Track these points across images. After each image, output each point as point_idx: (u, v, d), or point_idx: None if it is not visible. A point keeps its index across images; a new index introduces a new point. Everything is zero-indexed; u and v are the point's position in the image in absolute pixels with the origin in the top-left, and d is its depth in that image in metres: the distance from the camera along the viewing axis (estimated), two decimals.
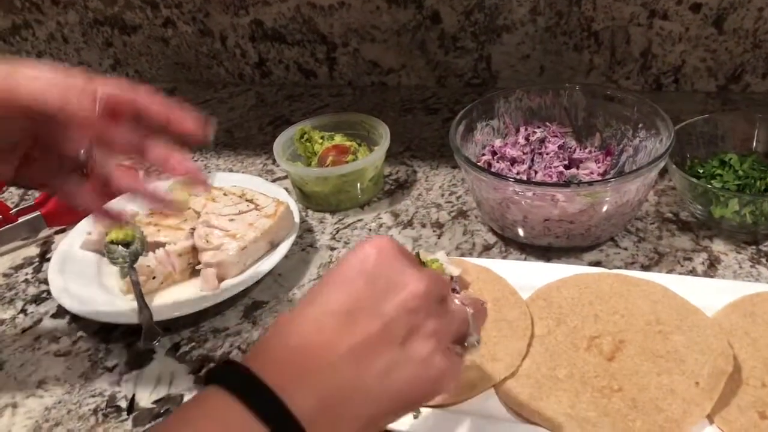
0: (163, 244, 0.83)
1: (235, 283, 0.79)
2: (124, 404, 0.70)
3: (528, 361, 0.66)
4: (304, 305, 0.46)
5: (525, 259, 0.82)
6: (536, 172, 0.86)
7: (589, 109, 0.90)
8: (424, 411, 0.62)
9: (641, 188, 0.77)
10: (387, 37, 1.21)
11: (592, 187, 0.73)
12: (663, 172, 0.82)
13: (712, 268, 0.77)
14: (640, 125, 0.85)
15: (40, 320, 0.82)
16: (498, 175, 0.75)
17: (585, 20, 1.09)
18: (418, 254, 0.71)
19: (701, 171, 0.84)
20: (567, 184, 0.73)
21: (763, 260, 0.77)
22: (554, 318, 0.70)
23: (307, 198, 0.95)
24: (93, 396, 0.71)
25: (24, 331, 0.81)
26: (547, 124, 0.91)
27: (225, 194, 0.88)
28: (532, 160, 0.88)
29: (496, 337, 0.69)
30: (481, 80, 1.21)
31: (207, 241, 0.81)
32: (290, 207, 0.86)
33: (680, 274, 0.77)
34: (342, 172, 0.91)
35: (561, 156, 0.87)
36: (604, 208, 0.76)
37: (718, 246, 0.80)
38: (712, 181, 0.82)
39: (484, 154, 0.89)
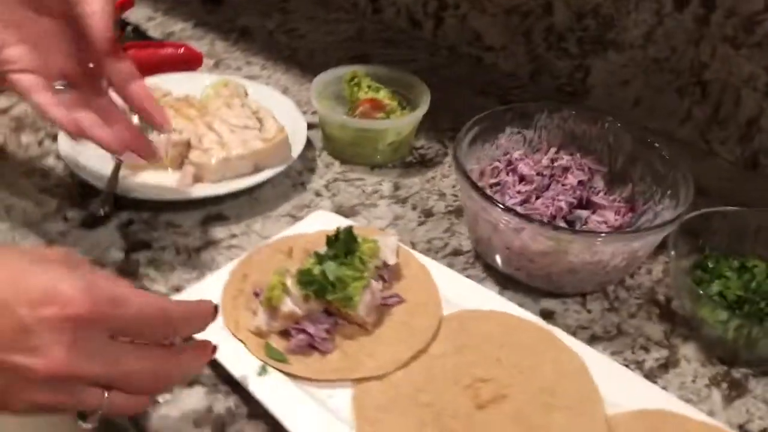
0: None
1: (206, 188, 0.81)
2: None
3: (401, 373, 0.63)
4: None
5: (483, 279, 0.77)
6: (537, 198, 0.79)
7: (632, 156, 0.81)
8: (274, 373, 0.62)
9: (618, 254, 0.69)
10: (497, 12, 1.15)
11: (555, 233, 0.66)
12: None
13: (661, 369, 0.68)
14: (669, 192, 0.76)
15: (47, 153, 0.89)
16: (471, 183, 0.70)
17: (698, 64, 0.97)
18: (350, 228, 0.68)
19: (711, 265, 0.74)
20: (529, 218, 0.66)
21: (724, 386, 0.67)
22: (456, 345, 0.66)
23: (327, 139, 0.95)
24: (36, 235, 0.77)
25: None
26: (579, 156, 0.83)
27: (242, 105, 0.90)
28: (548, 186, 0.81)
29: (389, 338, 0.66)
30: (573, 89, 1.12)
31: (199, 141, 0.84)
32: (288, 139, 0.86)
33: (625, 360, 0.69)
34: (359, 126, 0.89)
35: (576, 192, 0.80)
36: (569, 258, 0.69)
37: (687, 350, 0.71)
38: (716, 281, 0.72)
39: (498, 160, 0.83)
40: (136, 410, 0.48)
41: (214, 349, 0.54)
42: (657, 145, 0.79)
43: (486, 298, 0.71)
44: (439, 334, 0.67)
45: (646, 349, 0.70)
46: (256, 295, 0.67)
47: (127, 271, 0.74)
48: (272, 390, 0.60)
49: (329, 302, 0.64)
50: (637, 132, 0.81)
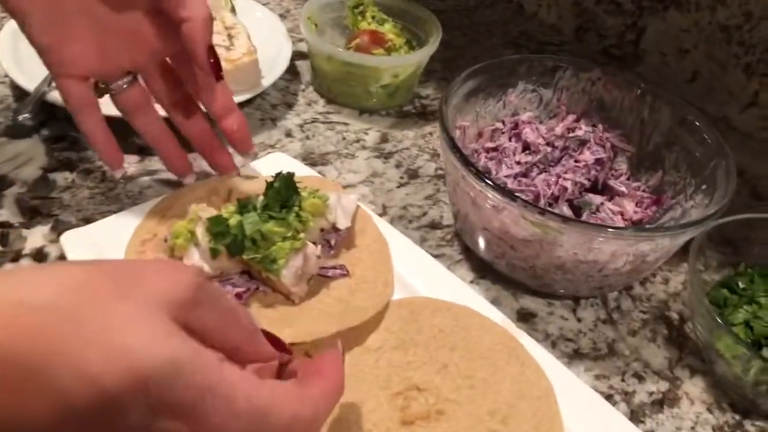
0: None
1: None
2: None
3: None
4: None
5: (457, 262, 0.63)
6: (542, 172, 0.65)
7: (668, 136, 0.66)
8: None
9: (620, 256, 0.54)
10: None
11: (541, 218, 0.52)
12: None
13: (655, 406, 0.54)
14: (705, 186, 0.60)
15: None
16: (450, 141, 0.56)
17: None
18: (291, 175, 0.54)
19: (742, 286, 0.58)
20: (510, 195, 0.52)
21: None
22: (399, 338, 0.53)
23: (315, 74, 0.81)
24: None
25: None
26: (602, 128, 0.68)
27: (214, 18, 0.76)
28: (558, 160, 0.66)
29: (317, 312, 0.53)
30: (621, 53, 0.95)
31: None
32: (257, 62, 0.73)
33: (610, 389, 0.55)
34: (349, 59, 0.75)
35: (591, 172, 0.65)
36: (557, 253, 0.55)
37: (692, 387, 0.56)
38: (745, 307, 0.57)
39: (502, 121, 0.69)
40: None
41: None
42: (700, 125, 0.62)
43: (451, 286, 0.57)
44: (382, 322, 0.54)
45: (641, 378, 0.56)
46: (166, 241, 0.55)
47: (37, 193, 0.63)
48: None
49: (246, 263, 0.52)
50: (679, 108, 0.65)
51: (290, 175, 0.55)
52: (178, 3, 0.52)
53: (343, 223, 0.58)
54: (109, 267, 0.31)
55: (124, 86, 0.56)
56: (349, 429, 0.47)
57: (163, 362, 0.29)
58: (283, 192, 0.54)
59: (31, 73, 0.70)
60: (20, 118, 0.66)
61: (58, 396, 0.28)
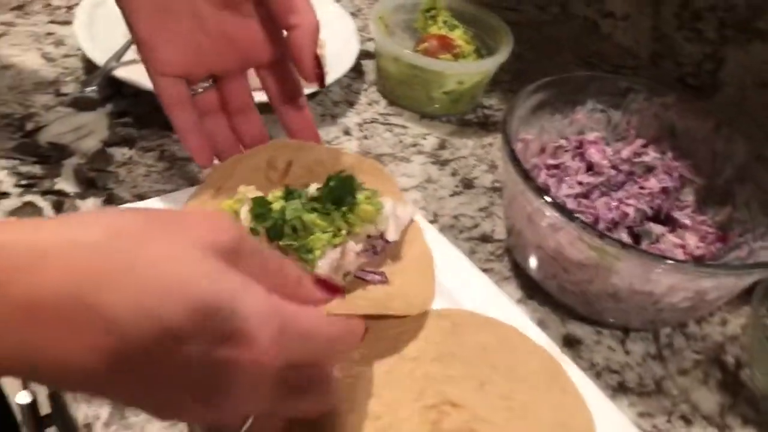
0: None
1: None
2: (30, 127, 0.66)
3: (358, 356, 0.49)
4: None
5: (506, 279, 0.61)
6: (603, 195, 0.62)
7: (741, 171, 0.62)
8: None
9: (678, 291, 0.51)
10: None
11: (600, 241, 0.50)
12: None
13: None
14: None
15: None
16: (511, 153, 0.54)
17: None
18: (351, 179, 0.53)
19: None
20: (570, 215, 0.49)
21: None
22: (439, 350, 0.51)
23: (379, 74, 0.80)
24: (19, 104, 0.68)
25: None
26: (672, 157, 0.65)
27: None
28: (622, 185, 0.64)
29: (353, 302, 0.52)
30: (699, 83, 0.91)
31: None
32: (324, 57, 0.72)
33: (654, 428, 0.52)
34: (414, 62, 0.74)
35: (654, 201, 0.62)
36: (612, 281, 0.52)
37: None
38: None
39: (566, 138, 0.66)
40: None
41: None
42: None
43: (497, 302, 0.55)
44: (422, 332, 0.53)
45: (688, 422, 0.53)
46: None
47: (94, 165, 0.63)
48: None
49: (283, 249, 0.51)
50: (757, 143, 0.62)
51: (350, 179, 0.53)
52: (288, 9, 0.52)
53: (392, 236, 0.56)
54: (156, 213, 0.32)
55: (200, 90, 0.56)
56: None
57: (218, 293, 0.30)
58: (338, 192, 0.52)
59: (104, 48, 0.71)
60: (87, 90, 0.67)
61: (114, 330, 0.28)
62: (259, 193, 0.52)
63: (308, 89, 0.70)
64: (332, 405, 0.43)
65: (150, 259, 0.29)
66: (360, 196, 0.53)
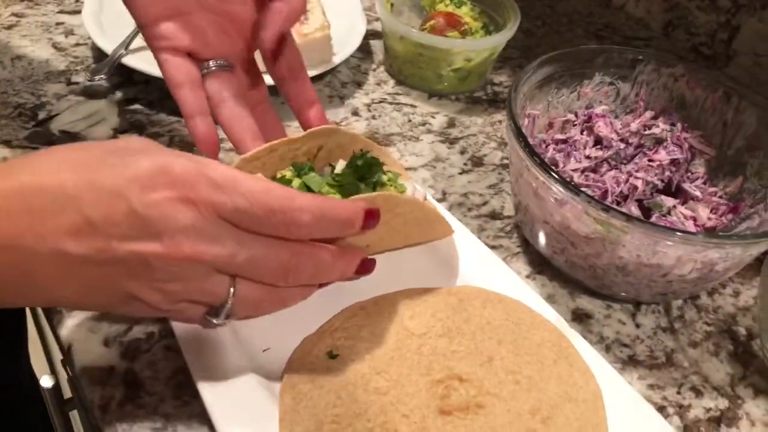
0: None
1: None
2: (42, 116, 0.67)
3: (364, 347, 0.50)
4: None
5: (515, 255, 0.61)
6: (612, 168, 0.62)
7: (752, 141, 0.62)
8: None
9: (686, 262, 0.51)
10: None
11: (605, 214, 0.49)
12: None
13: (711, 424, 0.51)
14: None
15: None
16: (516, 129, 0.54)
17: None
18: (377, 161, 0.52)
19: None
20: (575, 189, 0.49)
21: None
22: (446, 326, 0.52)
23: (387, 53, 0.80)
24: (31, 94, 0.69)
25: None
26: (681, 128, 0.64)
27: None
28: (631, 158, 0.63)
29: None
30: (712, 53, 0.90)
31: None
32: (330, 38, 0.72)
33: (664, 400, 0.52)
34: (421, 41, 0.73)
35: (665, 173, 0.62)
36: (620, 254, 0.52)
37: (754, 408, 0.52)
38: None
39: (575, 113, 0.66)
40: (266, 308, 0.43)
41: (365, 264, 0.46)
42: None
43: (505, 278, 0.56)
44: (429, 308, 0.53)
45: (699, 393, 0.53)
46: None
47: None
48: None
49: None
50: (767, 111, 0.61)
51: (375, 159, 0.52)
52: None
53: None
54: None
55: (213, 68, 0.53)
56: (384, 412, 0.46)
57: (181, 166, 0.37)
58: (364, 170, 0.51)
59: (111, 36, 0.72)
60: (96, 78, 0.68)
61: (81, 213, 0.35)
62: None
63: (315, 70, 0.71)
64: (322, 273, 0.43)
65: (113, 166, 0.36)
66: (384, 177, 0.53)
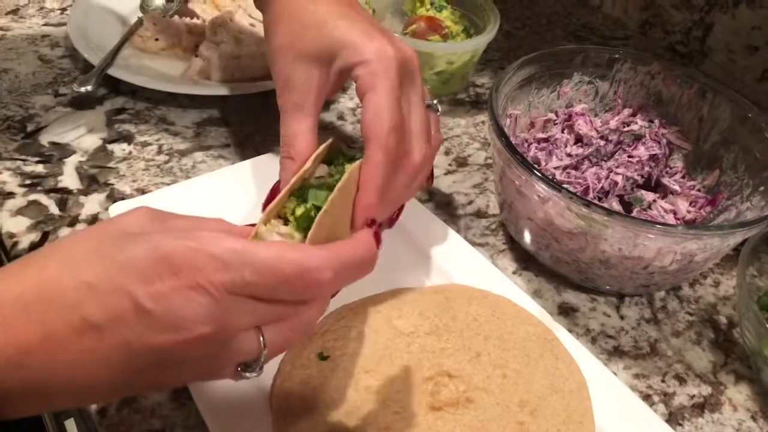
0: (196, 16, 0.77)
1: (209, 86, 0.71)
2: (31, 128, 0.68)
3: (352, 347, 0.51)
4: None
5: (500, 252, 0.63)
6: (593, 165, 0.63)
7: (727, 135, 0.63)
8: None
9: (666, 254, 0.53)
10: None
11: (586, 210, 0.51)
12: None
13: (695, 410, 0.53)
14: (762, 188, 0.58)
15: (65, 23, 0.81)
16: (498, 129, 0.56)
17: None
18: (340, 150, 0.51)
19: None
20: (556, 186, 0.51)
21: None
22: (434, 324, 0.53)
23: None
24: (19, 106, 0.70)
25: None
26: (659, 124, 0.66)
27: None
28: (612, 155, 0.65)
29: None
30: (687, 50, 0.92)
31: (214, 32, 0.73)
32: None
33: (649, 388, 0.53)
34: None
35: (644, 168, 0.63)
36: (602, 248, 0.54)
37: (736, 394, 0.54)
38: None
39: (555, 112, 0.67)
40: (296, 340, 0.40)
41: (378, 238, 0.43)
42: (762, 124, 0.60)
43: (489, 275, 0.57)
44: (416, 308, 0.54)
45: (682, 381, 0.55)
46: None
47: (95, 162, 0.65)
48: None
49: None
50: (741, 106, 0.62)
51: (336, 146, 0.50)
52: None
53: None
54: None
55: None
56: (376, 411, 0.47)
57: (180, 251, 0.34)
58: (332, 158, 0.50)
59: (97, 48, 0.73)
60: (83, 90, 0.69)
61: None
62: (276, 224, 0.48)
63: None
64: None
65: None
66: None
